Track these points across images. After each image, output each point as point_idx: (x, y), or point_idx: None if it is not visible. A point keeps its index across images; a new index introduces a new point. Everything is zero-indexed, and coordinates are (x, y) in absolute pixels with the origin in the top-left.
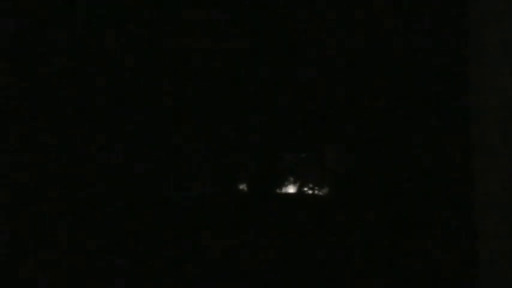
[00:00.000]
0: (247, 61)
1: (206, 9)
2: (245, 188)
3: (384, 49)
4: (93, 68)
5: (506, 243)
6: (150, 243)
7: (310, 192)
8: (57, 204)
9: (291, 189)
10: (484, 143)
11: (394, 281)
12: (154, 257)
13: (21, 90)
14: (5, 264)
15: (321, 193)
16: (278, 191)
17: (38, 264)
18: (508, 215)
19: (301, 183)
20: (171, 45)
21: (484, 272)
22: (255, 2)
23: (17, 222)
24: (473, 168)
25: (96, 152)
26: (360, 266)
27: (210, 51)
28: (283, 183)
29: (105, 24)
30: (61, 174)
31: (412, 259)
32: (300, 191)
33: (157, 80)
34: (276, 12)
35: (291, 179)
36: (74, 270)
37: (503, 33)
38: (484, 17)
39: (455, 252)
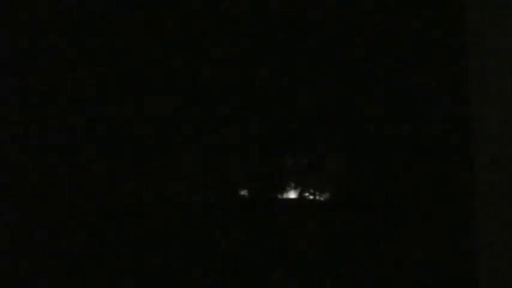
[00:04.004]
0: (247, 67)
1: (205, 8)
2: (246, 193)
3: (385, 51)
4: (92, 68)
5: (507, 244)
6: (150, 248)
7: (311, 197)
8: (56, 206)
9: (292, 194)
10: (485, 144)
11: (395, 282)
12: (155, 262)
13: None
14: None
15: (322, 198)
16: (279, 196)
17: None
18: (508, 215)
19: (302, 188)
20: (169, 46)
21: (484, 271)
22: (255, 4)
23: (18, 223)
24: (474, 169)
25: (95, 155)
26: (361, 269)
27: (209, 53)
28: (284, 188)
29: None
30: (60, 176)
31: (413, 261)
32: (301, 196)
33: (157, 82)
34: (276, 12)
35: (292, 184)
36: (73, 272)
37: (504, 35)
38: (484, 19)
39: (456, 253)
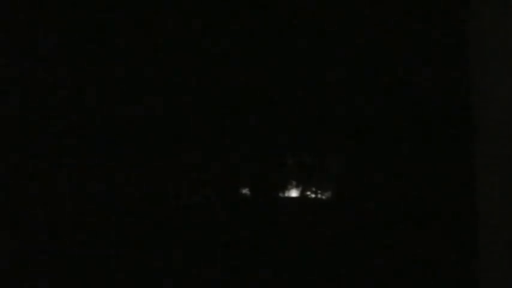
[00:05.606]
0: (247, 67)
1: (205, 8)
2: (246, 193)
3: (385, 51)
4: (93, 68)
5: (507, 244)
6: (150, 248)
7: (313, 196)
8: (56, 206)
9: (293, 193)
10: (485, 144)
11: (395, 282)
12: (156, 264)
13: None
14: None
15: (323, 197)
16: (281, 195)
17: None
18: (508, 215)
19: (303, 187)
20: (169, 46)
21: (484, 271)
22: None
23: (17, 223)
24: (474, 169)
25: (95, 155)
26: (361, 269)
27: (210, 53)
28: (286, 187)
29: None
30: (60, 176)
31: (413, 261)
32: (302, 195)
33: (157, 81)
34: (280, 12)
35: (294, 183)
36: (73, 272)
37: (504, 35)
38: (484, 19)
39: (456, 253)
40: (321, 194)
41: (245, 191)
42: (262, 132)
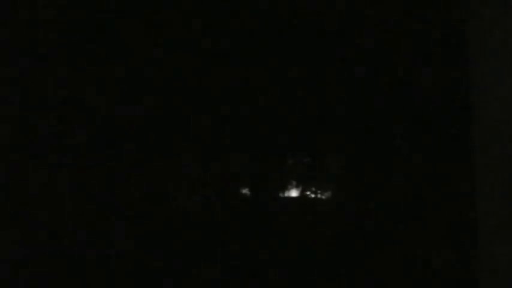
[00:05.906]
0: (247, 67)
1: (207, 9)
2: (248, 193)
3: (385, 51)
4: (93, 68)
5: (507, 244)
6: (151, 250)
7: (313, 196)
8: (56, 206)
9: (294, 193)
10: (485, 144)
11: (395, 282)
12: (156, 264)
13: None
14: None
15: (323, 197)
16: (281, 195)
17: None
18: (508, 215)
19: (303, 187)
20: (169, 46)
21: (484, 271)
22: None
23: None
24: (474, 169)
25: (95, 155)
26: (361, 268)
27: (210, 53)
28: (286, 187)
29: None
30: (61, 176)
31: (413, 260)
32: (302, 195)
33: (157, 81)
34: (280, 12)
35: (294, 182)
36: (73, 272)
37: (504, 35)
38: (484, 19)
39: (456, 253)
40: (321, 194)
41: (245, 191)
42: (262, 132)
